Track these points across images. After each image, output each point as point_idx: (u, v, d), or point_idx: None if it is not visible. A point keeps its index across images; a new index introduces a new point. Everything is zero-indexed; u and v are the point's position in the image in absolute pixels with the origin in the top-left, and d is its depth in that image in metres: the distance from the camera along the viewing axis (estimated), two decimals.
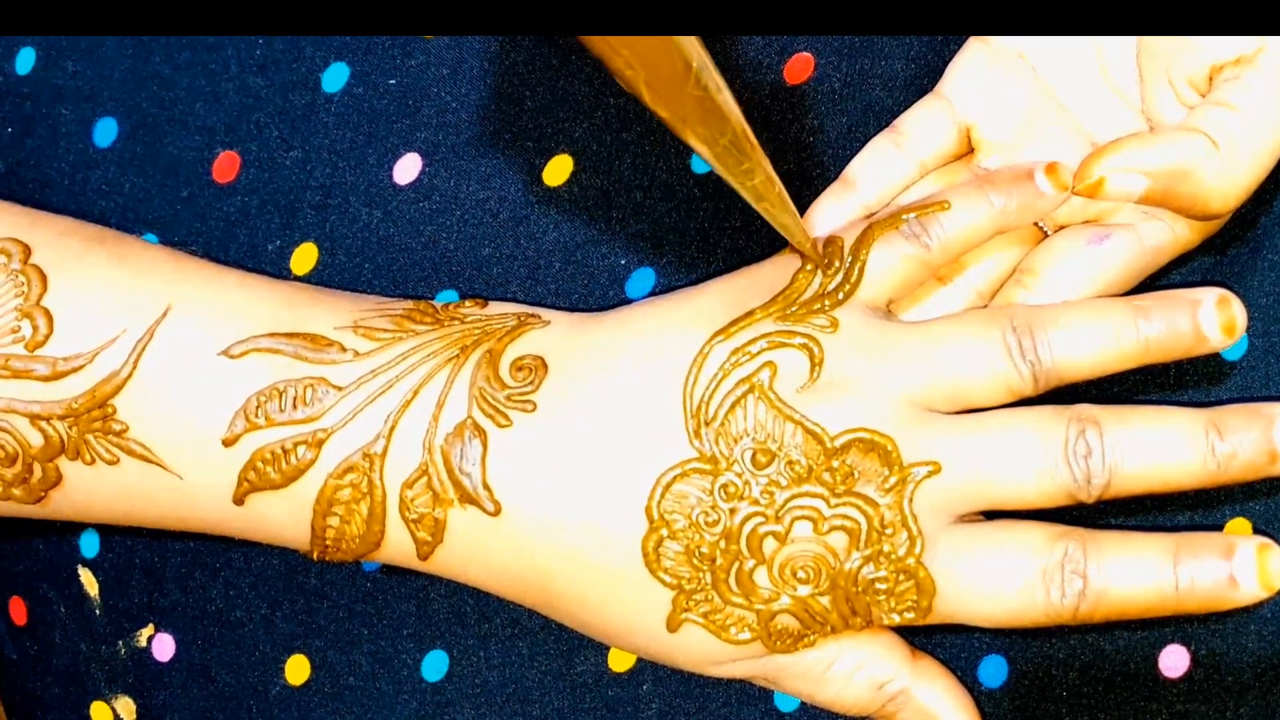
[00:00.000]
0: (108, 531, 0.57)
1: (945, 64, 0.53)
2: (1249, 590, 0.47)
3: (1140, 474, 0.47)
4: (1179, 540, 0.47)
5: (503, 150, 0.55)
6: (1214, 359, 0.53)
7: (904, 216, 0.50)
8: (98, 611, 0.57)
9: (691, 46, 0.41)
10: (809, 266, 0.50)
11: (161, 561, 0.57)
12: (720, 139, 0.44)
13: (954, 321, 0.49)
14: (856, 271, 0.49)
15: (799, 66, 0.54)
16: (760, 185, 0.46)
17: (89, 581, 0.57)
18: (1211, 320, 0.48)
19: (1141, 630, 0.53)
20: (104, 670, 0.57)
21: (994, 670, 0.53)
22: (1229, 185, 0.48)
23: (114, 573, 0.57)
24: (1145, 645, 0.53)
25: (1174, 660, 0.53)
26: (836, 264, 0.50)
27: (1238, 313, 0.48)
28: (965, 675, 0.53)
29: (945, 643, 0.53)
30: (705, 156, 0.44)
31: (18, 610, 0.59)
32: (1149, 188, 0.48)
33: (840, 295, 0.49)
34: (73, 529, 0.58)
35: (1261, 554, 0.47)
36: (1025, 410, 0.48)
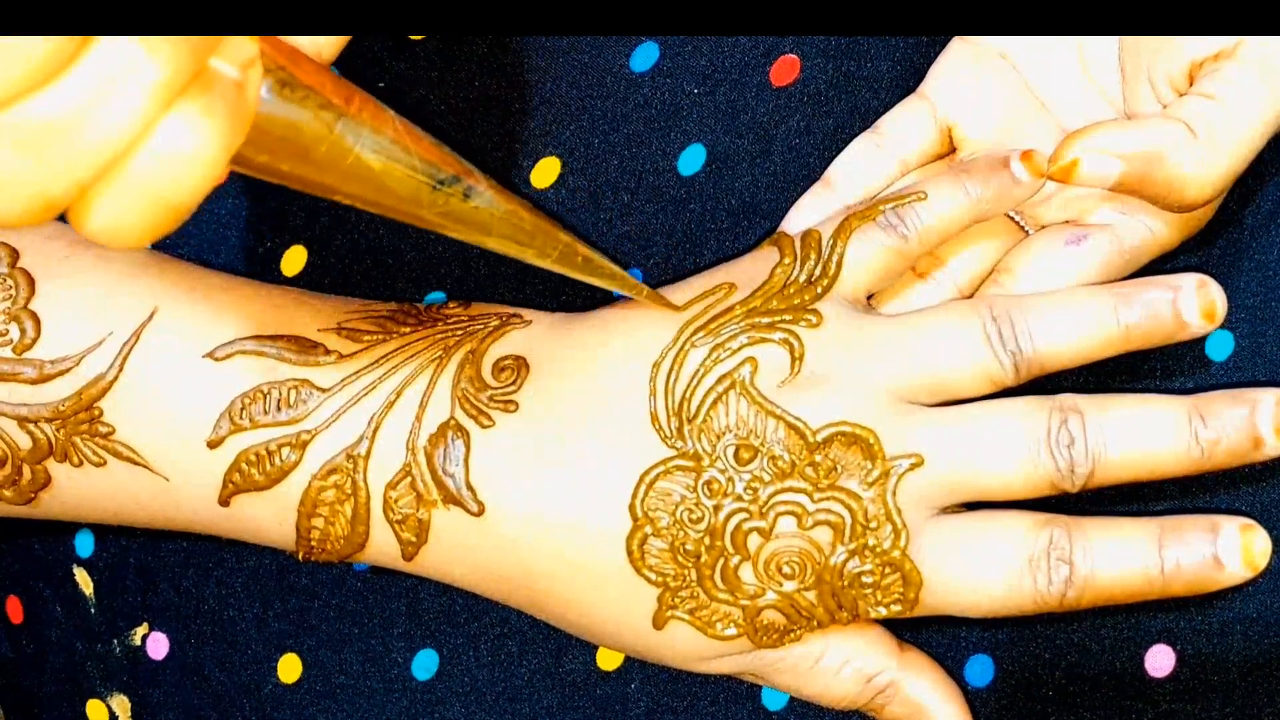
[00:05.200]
0: (102, 531, 0.55)
1: (930, 66, 0.51)
2: (1234, 571, 0.45)
3: (1124, 462, 0.45)
4: (1163, 523, 0.46)
5: (490, 152, 0.53)
6: (1200, 360, 0.51)
7: (881, 208, 0.48)
8: (93, 610, 0.56)
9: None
10: (787, 260, 0.48)
11: (155, 561, 0.55)
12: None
13: (933, 312, 0.47)
14: (835, 264, 0.48)
15: (785, 68, 0.52)
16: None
17: (84, 581, 0.56)
18: (1191, 305, 0.46)
19: (1128, 630, 0.51)
20: (99, 668, 0.56)
21: (980, 670, 0.51)
22: (1206, 172, 0.46)
23: (109, 572, 0.55)
24: (1131, 645, 0.51)
25: (1160, 660, 0.51)
26: (814, 257, 0.48)
27: (1217, 296, 0.46)
28: (951, 675, 0.50)
29: (931, 642, 0.51)
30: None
31: (14, 609, 0.58)
32: (1124, 172, 0.46)
33: (819, 289, 0.47)
34: (68, 529, 0.56)
35: (1245, 534, 0.45)
36: (1007, 400, 0.46)
